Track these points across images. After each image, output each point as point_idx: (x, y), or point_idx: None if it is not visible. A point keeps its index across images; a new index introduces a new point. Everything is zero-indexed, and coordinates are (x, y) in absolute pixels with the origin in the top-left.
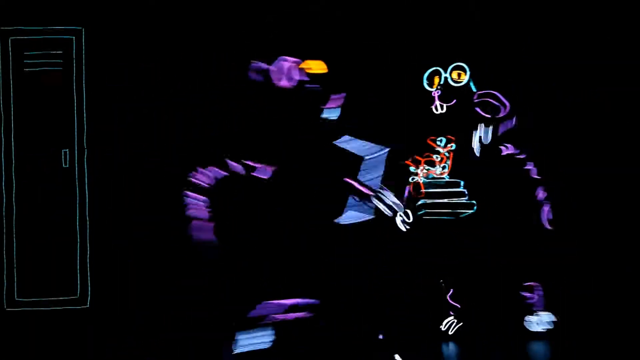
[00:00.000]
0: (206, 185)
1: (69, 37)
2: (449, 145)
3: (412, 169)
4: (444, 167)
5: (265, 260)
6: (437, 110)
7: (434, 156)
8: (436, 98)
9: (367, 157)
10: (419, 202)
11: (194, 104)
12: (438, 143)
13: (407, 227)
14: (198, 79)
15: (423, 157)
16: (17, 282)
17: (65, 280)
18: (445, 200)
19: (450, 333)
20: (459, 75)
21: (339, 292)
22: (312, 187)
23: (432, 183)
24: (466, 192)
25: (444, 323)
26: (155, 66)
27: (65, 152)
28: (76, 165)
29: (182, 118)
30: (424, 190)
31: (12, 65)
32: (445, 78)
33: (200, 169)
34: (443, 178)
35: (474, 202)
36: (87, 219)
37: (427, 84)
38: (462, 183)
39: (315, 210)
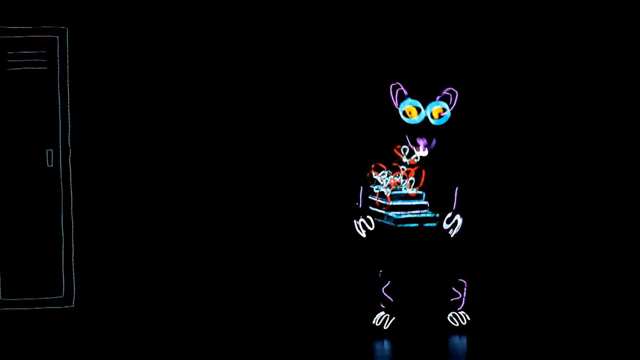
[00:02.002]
0: None
1: (52, 36)
2: (412, 157)
3: (374, 175)
4: (411, 182)
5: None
6: (418, 151)
7: (401, 167)
8: (422, 146)
9: None
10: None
11: (179, 102)
12: (402, 152)
13: (366, 232)
14: (183, 77)
15: (387, 166)
16: (1, 282)
17: (50, 280)
18: (409, 215)
19: (385, 328)
20: (439, 114)
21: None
22: None
23: (396, 195)
24: (428, 205)
25: (377, 318)
26: (139, 65)
27: (49, 152)
28: (60, 165)
29: (167, 117)
30: (390, 203)
31: None
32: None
33: None
34: (405, 190)
35: (437, 215)
36: (72, 218)
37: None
38: (424, 195)
39: None
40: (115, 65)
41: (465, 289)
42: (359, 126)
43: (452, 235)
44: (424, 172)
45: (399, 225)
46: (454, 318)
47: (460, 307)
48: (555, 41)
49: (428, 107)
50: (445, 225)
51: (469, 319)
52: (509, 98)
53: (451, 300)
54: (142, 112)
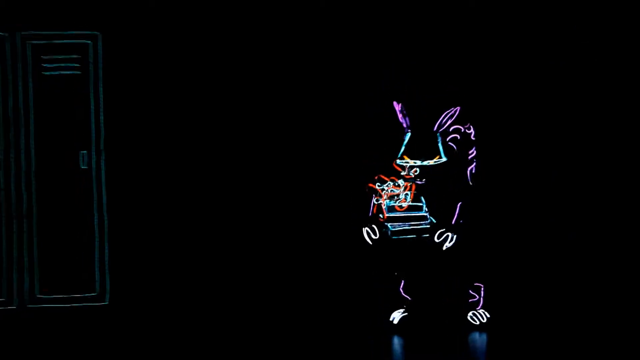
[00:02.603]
0: None
1: (86, 41)
2: (413, 170)
3: (378, 184)
4: (406, 195)
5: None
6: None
7: (399, 181)
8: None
9: None
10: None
11: (210, 106)
12: (403, 165)
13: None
14: (214, 81)
15: (388, 179)
16: (38, 279)
17: (84, 277)
18: (408, 226)
19: (395, 322)
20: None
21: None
22: None
23: (392, 206)
24: (428, 216)
25: (394, 315)
26: (171, 70)
27: (83, 154)
28: (94, 166)
29: (198, 120)
30: (387, 215)
31: (31, 69)
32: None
33: None
34: (403, 204)
35: (435, 222)
36: (106, 217)
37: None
38: (424, 206)
39: None
40: (147, 69)
41: (482, 291)
42: (375, 135)
43: (443, 249)
44: (414, 186)
45: (394, 237)
46: (473, 317)
47: (479, 307)
48: (555, 42)
49: (425, 162)
50: (437, 239)
51: (488, 316)
52: (508, 98)
53: (469, 301)
54: (173, 116)
